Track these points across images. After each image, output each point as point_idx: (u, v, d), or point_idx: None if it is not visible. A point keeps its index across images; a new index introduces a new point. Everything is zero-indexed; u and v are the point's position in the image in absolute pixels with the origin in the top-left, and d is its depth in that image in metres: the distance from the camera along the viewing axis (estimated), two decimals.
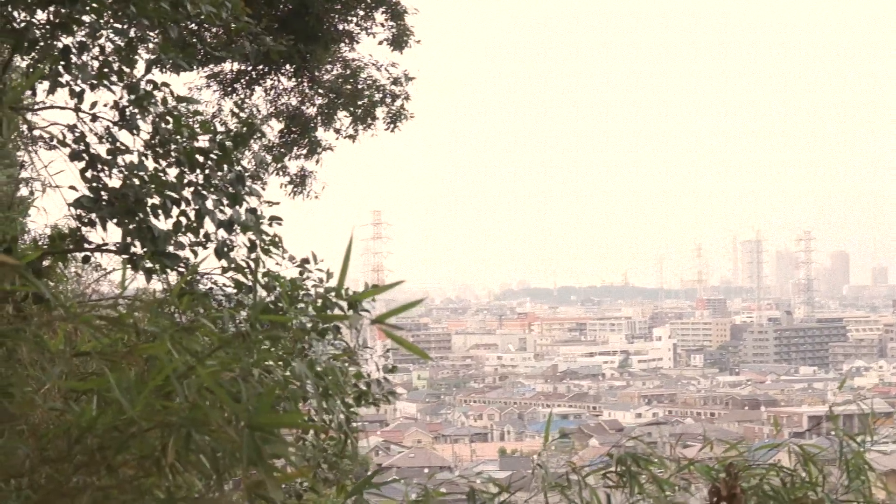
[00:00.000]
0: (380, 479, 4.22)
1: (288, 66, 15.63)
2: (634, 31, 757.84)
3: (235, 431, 2.48)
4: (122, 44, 6.54)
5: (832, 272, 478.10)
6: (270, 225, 6.81)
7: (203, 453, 2.56)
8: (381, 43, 15.90)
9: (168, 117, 6.37)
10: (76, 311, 3.78)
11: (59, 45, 6.23)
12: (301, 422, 2.61)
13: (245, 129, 6.87)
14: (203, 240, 6.43)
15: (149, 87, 6.35)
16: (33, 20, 6.16)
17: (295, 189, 17.04)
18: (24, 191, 8.30)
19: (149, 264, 6.17)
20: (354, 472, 7.12)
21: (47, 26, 6.11)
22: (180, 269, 6.28)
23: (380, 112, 16.29)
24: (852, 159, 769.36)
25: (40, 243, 6.66)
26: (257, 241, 6.63)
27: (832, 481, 4.91)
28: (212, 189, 6.40)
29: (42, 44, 6.22)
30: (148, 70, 6.44)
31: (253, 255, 6.62)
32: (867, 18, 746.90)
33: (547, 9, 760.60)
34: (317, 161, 16.85)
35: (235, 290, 6.56)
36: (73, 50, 6.19)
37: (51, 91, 6.27)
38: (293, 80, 16.10)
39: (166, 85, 6.50)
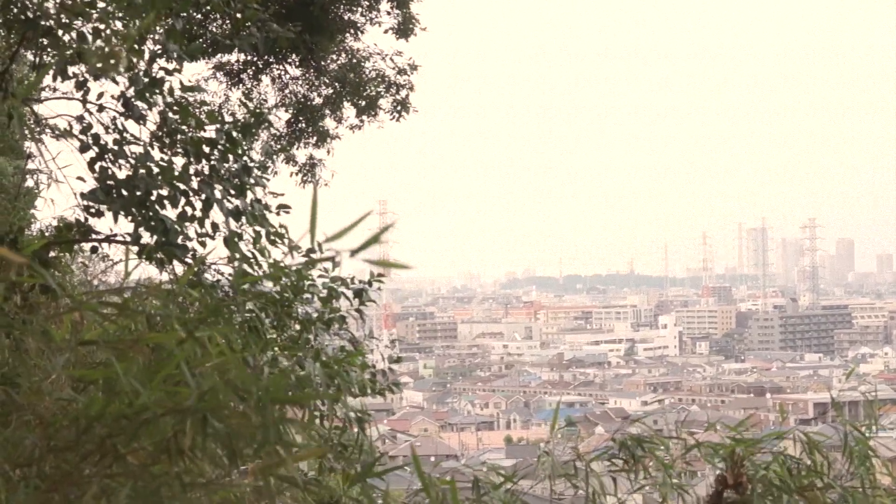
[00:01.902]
0: (385, 468, 4.24)
1: (294, 56, 15.64)
2: (641, 19, 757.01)
3: (252, 411, 2.49)
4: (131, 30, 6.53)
5: (837, 259, 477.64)
6: (278, 214, 6.82)
7: (218, 438, 2.57)
8: (386, 31, 15.91)
9: (175, 107, 6.38)
10: (82, 300, 3.80)
11: (70, 34, 6.22)
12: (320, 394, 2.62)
13: (253, 119, 6.88)
14: (210, 231, 6.44)
15: (159, 75, 6.35)
16: (44, 9, 6.15)
17: (304, 178, 17.06)
18: (30, 181, 8.31)
19: (159, 255, 6.18)
20: (361, 462, 7.13)
21: (60, 16, 6.11)
22: (187, 261, 6.29)
23: (384, 103, 16.31)
24: (857, 147, 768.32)
25: (47, 234, 6.67)
26: (262, 232, 6.64)
27: (837, 468, 4.92)
28: (217, 180, 6.41)
29: (51, 34, 6.21)
30: (152, 60, 6.44)
31: (258, 246, 6.63)
32: (871, 10, 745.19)
33: None
34: (328, 151, 16.88)
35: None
36: (89, 36, 6.18)
37: (54, 79, 6.27)
38: (299, 69, 16.11)
39: (178, 71, 6.50)
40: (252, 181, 6.58)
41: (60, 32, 6.12)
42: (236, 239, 6.50)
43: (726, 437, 5.05)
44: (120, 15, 6.12)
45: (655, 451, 5.04)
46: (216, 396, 2.56)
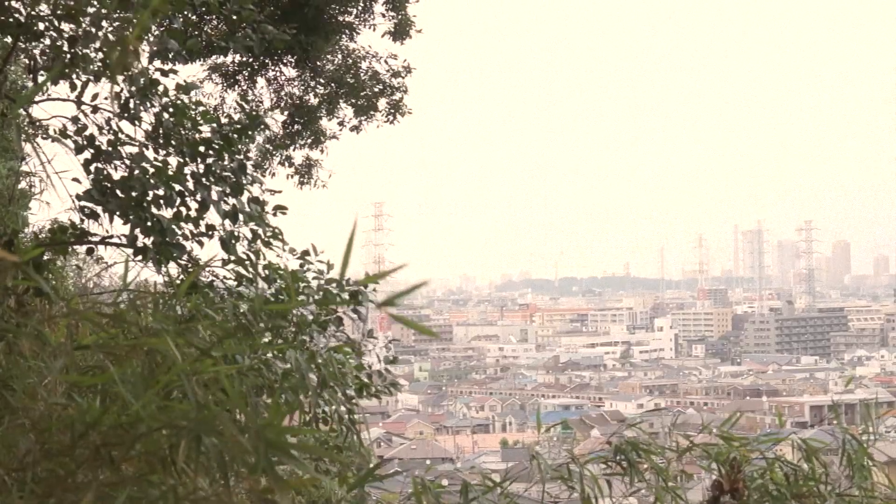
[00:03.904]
0: (382, 472, 4.22)
1: (289, 57, 15.64)
2: (636, 22, 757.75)
3: (248, 441, 2.48)
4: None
5: (833, 262, 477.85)
6: (275, 215, 6.81)
7: (212, 456, 2.56)
8: (383, 35, 15.92)
9: (171, 108, 6.37)
10: (77, 306, 3.78)
11: (64, 37, 6.22)
12: (316, 446, 2.61)
13: (249, 120, 6.87)
14: (207, 231, 6.43)
15: (155, 75, 6.35)
16: (37, 11, 6.14)
17: (301, 179, 17.07)
18: (23, 184, 8.29)
19: (155, 256, 6.17)
20: (357, 465, 7.13)
21: (51, 17, 6.10)
22: (182, 262, 6.28)
23: (381, 104, 16.32)
24: (853, 149, 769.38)
25: (41, 237, 6.66)
26: (259, 232, 6.62)
27: (835, 471, 4.90)
28: (213, 179, 6.39)
29: (46, 36, 6.21)
30: (150, 61, 6.43)
31: (254, 248, 6.62)
32: (867, 13, 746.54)
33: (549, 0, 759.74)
34: (322, 150, 16.88)
35: (237, 283, 6.55)
36: (79, 41, 6.17)
37: (55, 83, 6.26)
38: (295, 69, 16.11)
39: (174, 72, 6.49)
40: (248, 179, 6.57)
41: (54, 35, 6.11)
42: (233, 241, 6.49)
43: (717, 437, 5.04)
44: (115, 15, 6.11)
45: (651, 456, 5.02)
46: (212, 414, 2.55)
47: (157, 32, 6.80)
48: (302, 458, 2.53)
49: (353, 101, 16.14)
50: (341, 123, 16.57)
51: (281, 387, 4.45)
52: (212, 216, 6.44)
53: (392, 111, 16.39)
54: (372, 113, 16.33)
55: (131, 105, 6.30)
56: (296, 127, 16.51)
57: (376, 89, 16.15)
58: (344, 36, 15.85)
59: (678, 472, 5.14)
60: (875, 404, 5.06)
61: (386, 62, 16.24)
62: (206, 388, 2.74)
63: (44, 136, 6.66)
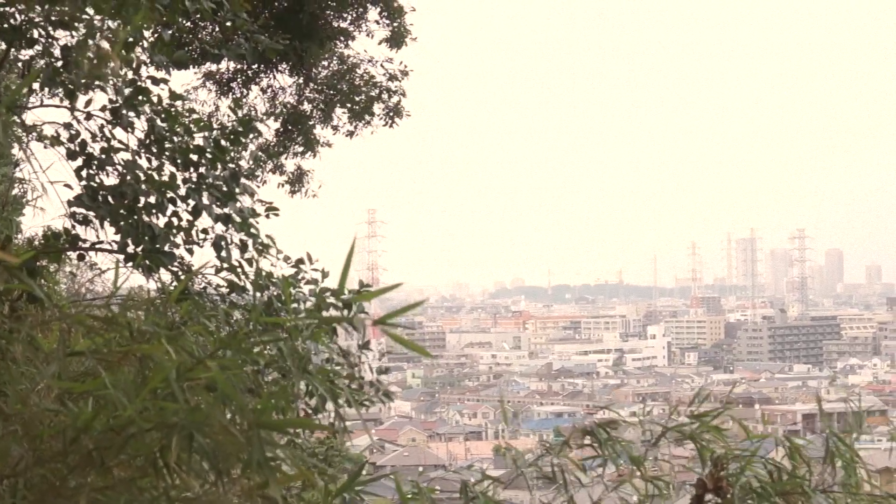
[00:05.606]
0: (369, 478, 4.24)
1: (284, 64, 15.64)
2: (631, 29, 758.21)
3: (240, 433, 2.49)
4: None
5: (826, 270, 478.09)
6: (268, 216, 6.82)
7: (204, 454, 2.57)
8: (380, 43, 15.93)
9: (163, 115, 6.38)
10: (69, 311, 3.80)
11: (58, 44, 6.23)
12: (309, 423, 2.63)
13: (241, 126, 6.89)
14: (198, 238, 6.44)
15: (147, 83, 6.36)
16: (31, 17, 6.15)
17: (293, 188, 17.06)
18: (16, 190, 8.29)
19: (146, 262, 6.18)
20: (349, 472, 7.14)
21: (47, 24, 6.11)
22: (173, 269, 6.29)
23: (377, 108, 16.29)
24: (847, 157, 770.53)
25: (35, 243, 6.67)
26: (248, 241, 6.63)
27: (824, 476, 4.91)
28: (205, 187, 6.41)
29: (41, 42, 6.22)
30: (137, 69, 6.44)
31: (247, 255, 6.62)
32: (862, 20, 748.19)
33: (544, 5, 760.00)
34: (314, 155, 16.85)
35: (229, 290, 6.57)
36: (72, 49, 6.19)
37: (44, 87, 6.27)
38: (290, 76, 16.10)
39: (165, 81, 6.50)
40: (239, 189, 6.58)
41: (48, 42, 6.12)
42: (223, 243, 6.50)
43: (686, 417, 5.05)
44: (109, 25, 6.13)
45: (621, 441, 5.02)
46: (203, 412, 2.56)
47: (151, 39, 6.81)
48: (292, 456, 2.55)
49: (349, 105, 16.11)
50: (335, 128, 16.55)
51: (269, 391, 4.46)
52: (204, 221, 6.46)
53: (390, 115, 16.37)
54: (368, 118, 16.30)
55: (122, 113, 6.32)
56: (289, 134, 16.50)
57: (372, 94, 16.13)
58: (339, 42, 15.85)
59: (649, 443, 5.14)
60: (860, 410, 5.08)
61: (382, 66, 16.24)
62: (191, 390, 2.75)
63: (37, 140, 6.67)
